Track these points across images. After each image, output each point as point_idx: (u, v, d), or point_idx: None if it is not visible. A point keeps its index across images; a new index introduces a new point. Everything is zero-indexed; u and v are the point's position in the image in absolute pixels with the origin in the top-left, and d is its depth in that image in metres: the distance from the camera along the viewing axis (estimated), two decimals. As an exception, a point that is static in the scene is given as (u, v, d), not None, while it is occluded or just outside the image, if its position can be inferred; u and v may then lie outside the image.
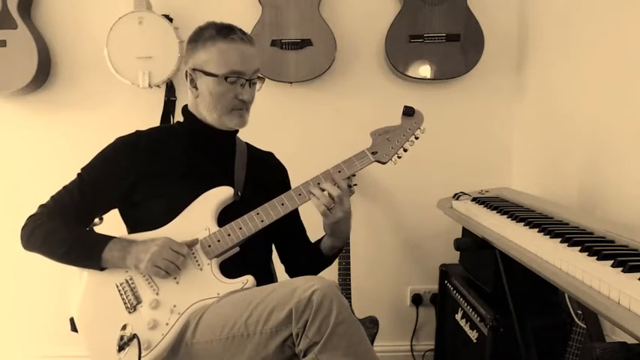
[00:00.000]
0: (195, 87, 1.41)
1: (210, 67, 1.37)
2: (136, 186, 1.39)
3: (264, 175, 1.53)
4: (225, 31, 1.37)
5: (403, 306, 2.53)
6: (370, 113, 2.39)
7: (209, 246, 1.34)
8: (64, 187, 1.42)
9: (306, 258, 1.53)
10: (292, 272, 1.57)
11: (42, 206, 1.42)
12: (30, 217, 1.40)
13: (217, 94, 1.38)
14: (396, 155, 1.45)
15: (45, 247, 1.37)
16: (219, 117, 1.41)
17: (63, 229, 1.36)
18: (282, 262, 1.59)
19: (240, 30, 1.40)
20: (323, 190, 1.35)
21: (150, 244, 1.31)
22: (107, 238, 1.34)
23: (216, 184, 1.39)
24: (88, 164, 1.43)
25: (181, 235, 1.34)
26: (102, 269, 1.34)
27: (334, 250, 1.50)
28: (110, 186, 1.40)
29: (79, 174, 1.43)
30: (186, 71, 1.42)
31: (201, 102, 1.42)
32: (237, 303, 1.24)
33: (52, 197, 1.42)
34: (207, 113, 1.42)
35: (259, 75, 1.43)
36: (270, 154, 1.63)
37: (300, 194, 1.38)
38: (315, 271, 1.49)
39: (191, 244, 1.33)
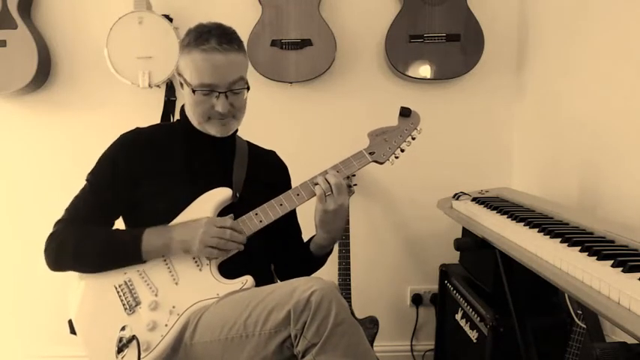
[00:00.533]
0: (183, 89, 1.41)
1: (185, 75, 1.35)
2: (137, 184, 1.38)
3: (265, 175, 1.52)
4: (200, 40, 1.30)
5: (403, 306, 2.53)
6: (370, 113, 2.39)
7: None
8: (76, 197, 1.40)
9: (296, 259, 1.52)
10: (280, 273, 1.56)
11: (59, 222, 1.38)
12: (50, 235, 1.36)
13: (193, 103, 1.36)
14: (393, 155, 1.45)
15: (78, 261, 1.34)
16: (199, 124, 1.40)
17: (90, 238, 1.34)
18: (272, 261, 1.57)
19: (221, 36, 1.31)
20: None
21: (192, 226, 1.30)
22: (139, 232, 1.32)
23: (215, 184, 1.39)
24: (93, 168, 1.42)
25: None
26: (143, 262, 1.33)
27: (322, 250, 1.48)
28: (118, 185, 1.38)
29: (87, 180, 1.41)
30: (176, 72, 1.42)
31: (186, 106, 1.43)
32: (236, 303, 1.24)
33: (67, 210, 1.39)
34: (191, 119, 1.42)
35: (245, 85, 1.37)
36: (271, 153, 1.62)
37: (298, 194, 1.38)
38: (302, 273, 1.43)
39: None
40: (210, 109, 1.35)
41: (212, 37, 1.31)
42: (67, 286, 1.39)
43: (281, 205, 1.37)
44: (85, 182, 1.41)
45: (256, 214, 1.36)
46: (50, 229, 1.39)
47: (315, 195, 1.36)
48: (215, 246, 1.29)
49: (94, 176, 1.41)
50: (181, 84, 1.40)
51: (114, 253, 1.33)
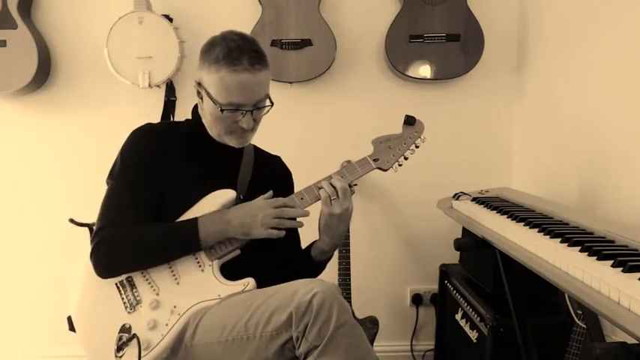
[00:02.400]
0: (201, 99, 1.38)
1: (211, 91, 1.31)
2: (154, 178, 1.35)
3: (269, 179, 1.51)
4: (230, 59, 1.26)
5: (403, 306, 2.53)
6: (370, 113, 2.39)
7: (211, 248, 1.34)
8: (107, 202, 1.34)
9: (295, 263, 1.51)
10: (280, 276, 1.53)
11: (98, 230, 1.32)
12: (96, 245, 1.30)
13: (216, 118, 1.35)
14: (397, 163, 1.47)
15: (136, 261, 1.32)
16: (218, 135, 1.40)
17: (144, 234, 1.31)
18: (273, 264, 1.55)
19: (251, 53, 1.29)
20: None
21: (249, 209, 1.32)
22: (193, 221, 1.31)
23: (221, 186, 1.38)
24: (117, 169, 1.36)
25: None
26: (200, 250, 1.32)
27: (323, 255, 1.47)
28: (151, 175, 1.35)
29: (113, 181, 1.36)
30: (195, 81, 1.37)
31: (204, 116, 1.40)
32: (237, 305, 1.24)
33: (103, 216, 1.33)
34: (208, 128, 1.41)
35: (269, 102, 1.37)
36: (277, 158, 1.62)
37: (302, 199, 1.38)
38: (302, 277, 1.38)
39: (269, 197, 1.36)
40: (233, 124, 1.35)
41: (243, 55, 1.27)
42: (68, 285, 1.39)
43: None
44: (108, 185, 1.37)
45: None
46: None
47: (319, 199, 1.37)
48: (276, 226, 1.31)
49: (121, 175, 1.36)
50: (199, 94, 1.37)
51: (173, 244, 1.31)
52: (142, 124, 1.44)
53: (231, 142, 1.40)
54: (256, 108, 1.35)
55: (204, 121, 1.42)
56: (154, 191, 1.35)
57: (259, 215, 1.30)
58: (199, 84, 1.35)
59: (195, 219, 1.32)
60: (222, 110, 1.31)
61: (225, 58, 1.27)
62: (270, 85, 1.39)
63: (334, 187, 1.35)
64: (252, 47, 1.31)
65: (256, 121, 1.38)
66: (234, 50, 1.27)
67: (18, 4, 2.19)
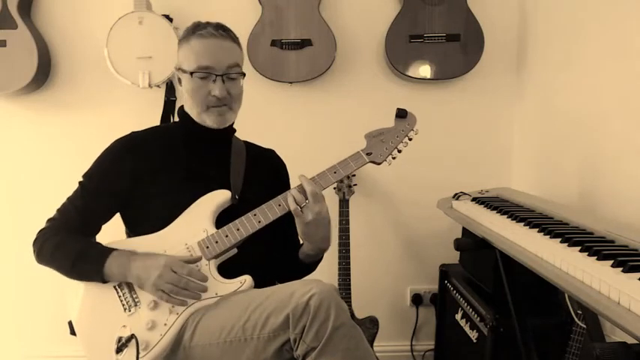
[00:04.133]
0: (181, 84, 1.43)
1: (184, 64, 1.40)
2: (135, 188, 1.38)
3: (264, 174, 1.52)
4: (197, 29, 1.38)
5: (403, 306, 2.53)
6: (370, 113, 2.39)
7: (207, 247, 1.33)
8: (68, 199, 1.41)
9: (286, 261, 1.51)
10: (276, 274, 1.52)
11: (49, 220, 1.40)
12: (39, 231, 1.39)
13: (191, 91, 1.38)
14: (390, 156, 1.46)
15: (53, 262, 1.36)
16: (198, 114, 1.42)
17: (68, 243, 1.35)
18: (271, 261, 1.53)
19: (218, 25, 1.39)
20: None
21: (151, 264, 1.27)
22: (106, 255, 1.31)
23: (213, 186, 1.38)
24: (87, 172, 1.42)
25: (179, 237, 1.34)
26: (105, 282, 1.33)
27: (309, 259, 1.46)
28: (111, 190, 1.39)
29: (80, 182, 1.42)
30: (174, 68, 1.45)
31: (185, 101, 1.44)
32: (235, 306, 1.23)
33: (58, 210, 1.41)
34: (190, 111, 1.43)
35: (241, 71, 1.41)
36: (270, 151, 1.62)
37: (279, 205, 1.36)
38: (291, 277, 1.39)
39: (194, 261, 1.31)
40: (208, 96, 1.37)
41: (209, 25, 1.39)
42: (66, 286, 1.39)
43: (279, 205, 1.36)
44: (78, 183, 1.42)
45: (255, 214, 1.35)
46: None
47: (286, 210, 1.34)
48: (167, 292, 1.25)
49: (86, 180, 1.41)
50: (179, 80, 1.43)
51: (80, 267, 1.33)
52: (132, 128, 1.48)
53: (209, 120, 1.41)
54: (227, 76, 1.37)
55: (187, 109, 1.45)
56: (115, 204, 1.41)
57: (154, 274, 1.25)
58: (177, 69, 1.43)
59: (110, 251, 1.31)
60: (192, 74, 1.35)
61: (193, 30, 1.39)
62: (243, 62, 1.47)
63: (304, 194, 1.32)
64: (218, 23, 1.41)
65: (231, 95, 1.40)
66: (200, 24, 1.40)
67: (18, 4, 2.19)
